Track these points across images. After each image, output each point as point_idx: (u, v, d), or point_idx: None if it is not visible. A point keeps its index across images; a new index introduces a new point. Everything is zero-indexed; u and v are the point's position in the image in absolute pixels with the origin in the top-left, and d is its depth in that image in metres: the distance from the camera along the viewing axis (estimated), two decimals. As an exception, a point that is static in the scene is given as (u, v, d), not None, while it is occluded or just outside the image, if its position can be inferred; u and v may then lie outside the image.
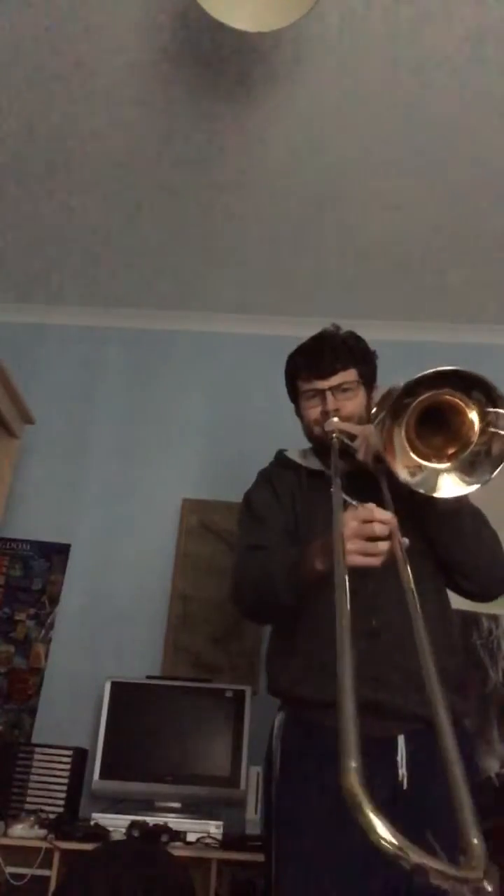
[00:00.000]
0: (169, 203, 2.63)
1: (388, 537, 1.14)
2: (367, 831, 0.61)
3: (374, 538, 1.13)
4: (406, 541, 1.15)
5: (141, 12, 1.95)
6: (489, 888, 0.62)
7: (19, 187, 2.61)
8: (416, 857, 0.59)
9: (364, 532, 1.13)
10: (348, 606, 0.94)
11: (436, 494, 1.22)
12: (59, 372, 3.16)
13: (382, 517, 1.14)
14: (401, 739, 1.24)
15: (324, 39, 1.98)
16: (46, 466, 2.94)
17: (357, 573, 1.26)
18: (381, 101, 2.16)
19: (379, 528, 1.13)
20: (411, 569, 1.12)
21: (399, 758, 1.23)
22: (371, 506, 1.17)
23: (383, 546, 1.13)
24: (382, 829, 0.60)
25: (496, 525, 1.41)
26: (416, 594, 1.06)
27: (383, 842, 0.60)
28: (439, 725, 0.83)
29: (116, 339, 3.23)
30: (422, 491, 1.22)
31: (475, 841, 0.68)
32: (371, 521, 1.13)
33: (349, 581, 1.08)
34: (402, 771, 1.22)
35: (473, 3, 1.87)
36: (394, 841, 0.60)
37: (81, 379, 3.15)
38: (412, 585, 1.08)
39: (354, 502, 1.19)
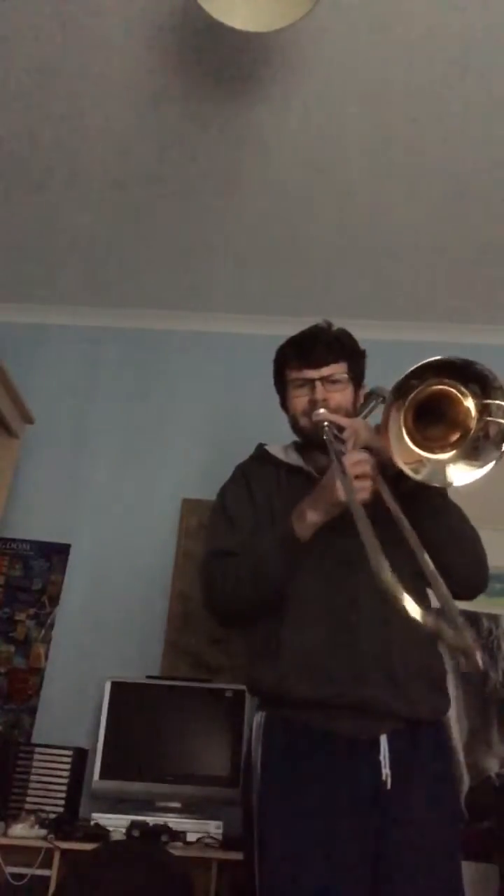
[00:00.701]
0: (168, 203, 2.63)
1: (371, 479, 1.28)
2: (403, 614, 0.87)
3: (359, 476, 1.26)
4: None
5: (140, 12, 1.95)
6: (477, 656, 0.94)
7: (19, 188, 2.61)
8: (432, 622, 0.88)
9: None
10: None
11: (454, 485, 1.23)
12: (59, 372, 3.15)
13: (359, 457, 1.29)
14: (383, 739, 1.25)
15: (324, 40, 1.98)
16: (46, 466, 2.94)
17: (339, 564, 1.32)
18: (380, 102, 2.16)
19: (360, 469, 1.28)
20: (396, 570, 1.13)
21: (382, 758, 1.23)
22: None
23: (366, 482, 1.26)
24: (415, 612, 0.87)
25: (494, 520, 1.41)
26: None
27: (418, 619, 0.87)
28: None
29: (116, 339, 3.23)
30: (435, 484, 1.23)
31: (460, 620, 0.93)
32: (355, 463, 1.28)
33: (330, 576, 1.32)
34: (386, 771, 1.23)
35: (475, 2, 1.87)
36: (420, 620, 0.87)
37: (81, 379, 3.15)
38: (397, 504, 1.21)
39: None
